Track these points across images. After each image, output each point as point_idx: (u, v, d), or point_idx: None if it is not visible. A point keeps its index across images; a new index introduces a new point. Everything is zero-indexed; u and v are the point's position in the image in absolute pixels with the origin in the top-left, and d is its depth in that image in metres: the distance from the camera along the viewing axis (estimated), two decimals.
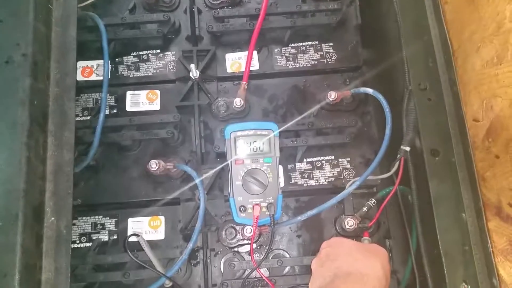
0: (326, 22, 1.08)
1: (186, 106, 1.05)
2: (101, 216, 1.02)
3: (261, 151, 0.95)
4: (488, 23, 0.76)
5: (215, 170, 0.99)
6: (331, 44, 1.10)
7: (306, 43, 1.11)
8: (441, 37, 0.91)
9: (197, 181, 0.93)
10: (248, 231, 0.93)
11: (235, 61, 1.09)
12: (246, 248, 1.00)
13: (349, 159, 1.05)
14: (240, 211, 0.92)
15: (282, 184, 1.01)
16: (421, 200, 0.87)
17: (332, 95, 0.99)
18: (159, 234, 1.00)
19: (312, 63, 1.10)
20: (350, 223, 0.94)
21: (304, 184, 1.03)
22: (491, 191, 0.78)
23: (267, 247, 0.93)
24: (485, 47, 0.77)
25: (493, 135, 0.76)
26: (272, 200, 0.92)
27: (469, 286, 0.76)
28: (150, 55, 1.10)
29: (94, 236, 1.00)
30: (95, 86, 1.07)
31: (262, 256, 0.92)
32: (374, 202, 0.95)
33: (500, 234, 0.76)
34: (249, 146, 0.95)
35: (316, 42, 1.11)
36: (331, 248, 0.80)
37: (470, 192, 0.82)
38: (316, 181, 1.03)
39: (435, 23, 0.92)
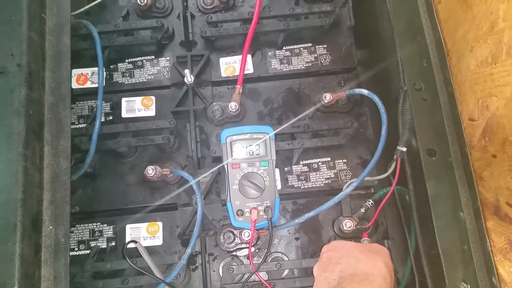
0: (319, 24, 1.08)
1: (181, 112, 1.05)
2: (99, 223, 1.02)
3: (257, 154, 0.95)
4: (481, 22, 0.77)
5: (211, 171, 0.98)
6: (325, 46, 1.11)
7: (300, 45, 1.11)
8: (434, 37, 0.91)
9: (193, 182, 0.93)
10: (246, 235, 0.93)
11: (229, 65, 1.09)
12: (245, 252, 1.00)
13: (345, 160, 1.05)
14: (238, 215, 0.92)
15: (279, 187, 1.01)
16: (419, 200, 0.87)
17: (327, 97, 0.99)
18: (157, 240, 1.00)
19: (307, 65, 1.10)
20: (348, 224, 0.94)
21: (301, 187, 1.03)
22: (488, 190, 0.78)
23: (265, 251, 0.93)
24: (479, 46, 0.78)
25: (489, 134, 0.76)
26: (270, 204, 0.92)
27: (469, 286, 0.76)
28: (144, 61, 1.10)
29: (92, 243, 1.00)
30: (90, 93, 1.07)
31: (261, 260, 0.92)
32: (371, 203, 0.95)
33: (498, 233, 0.76)
34: (245, 150, 0.95)
35: (310, 44, 1.11)
36: (332, 252, 0.80)
37: (468, 192, 0.82)
38: (313, 183, 1.03)
39: (428, 23, 0.93)
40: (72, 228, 1.00)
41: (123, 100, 1.08)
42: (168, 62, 1.10)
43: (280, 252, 1.00)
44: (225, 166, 0.94)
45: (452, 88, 0.87)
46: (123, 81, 1.09)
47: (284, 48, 1.11)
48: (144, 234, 1.00)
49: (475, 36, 0.79)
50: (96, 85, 1.03)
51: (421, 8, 0.93)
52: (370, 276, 0.74)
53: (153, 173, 0.93)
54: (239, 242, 0.97)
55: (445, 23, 0.90)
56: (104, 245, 1.00)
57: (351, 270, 0.75)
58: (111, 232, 1.01)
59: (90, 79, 1.08)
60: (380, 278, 0.74)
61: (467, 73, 0.82)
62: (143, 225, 1.01)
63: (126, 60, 1.10)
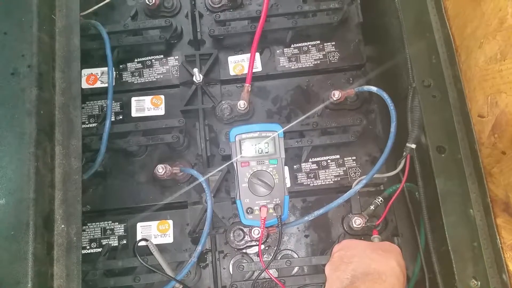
0: (327, 21, 1.08)
1: (190, 110, 1.05)
2: (110, 222, 1.03)
3: (266, 152, 0.95)
4: (490, 19, 0.76)
5: (220, 168, 0.99)
6: (333, 43, 1.10)
7: (308, 43, 1.11)
8: (443, 34, 0.91)
9: (202, 180, 0.94)
10: (256, 232, 0.93)
11: (237, 64, 1.10)
12: (255, 249, 1.00)
13: (354, 157, 1.05)
14: (247, 213, 0.92)
15: (288, 184, 1.01)
16: (428, 197, 0.87)
17: (336, 94, 0.99)
18: (168, 238, 1.01)
19: (315, 63, 1.09)
20: (357, 222, 0.94)
21: (311, 184, 1.03)
22: (498, 187, 0.78)
23: (275, 248, 0.93)
24: (488, 43, 0.77)
25: (498, 131, 0.76)
26: (279, 201, 0.93)
27: (479, 283, 0.76)
28: (153, 60, 1.11)
29: (104, 242, 1.01)
30: (100, 93, 1.08)
31: (271, 257, 0.92)
32: (381, 200, 0.95)
33: (508, 230, 0.76)
34: (254, 148, 0.95)
35: (318, 42, 1.11)
36: (344, 251, 0.80)
37: (477, 188, 0.82)
38: (322, 181, 1.03)
39: (437, 19, 0.92)
40: (84, 227, 1.01)
41: (133, 99, 1.08)
42: (177, 61, 1.11)
43: (290, 250, 1.01)
44: (235, 164, 0.95)
45: (461, 85, 0.87)
46: (133, 80, 1.10)
47: (292, 45, 1.11)
48: (155, 232, 1.01)
49: (484, 33, 0.78)
50: (106, 85, 1.05)
51: (429, 5, 0.93)
52: (383, 275, 0.74)
53: (163, 172, 0.94)
54: (249, 239, 0.97)
55: (454, 19, 0.89)
56: (115, 243, 1.01)
57: (363, 269, 0.75)
58: (122, 230, 1.02)
59: (100, 79, 1.09)
60: (393, 277, 0.74)
61: (476, 70, 0.82)
62: (154, 223, 1.02)
63: (135, 60, 1.11)
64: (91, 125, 1.06)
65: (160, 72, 1.10)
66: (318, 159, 1.05)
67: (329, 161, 1.05)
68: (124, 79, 1.10)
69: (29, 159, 0.73)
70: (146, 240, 0.94)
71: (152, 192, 1.04)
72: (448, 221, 0.80)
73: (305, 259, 0.96)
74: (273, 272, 0.96)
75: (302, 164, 1.04)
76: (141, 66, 1.11)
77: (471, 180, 0.82)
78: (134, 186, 1.05)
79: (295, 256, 1.00)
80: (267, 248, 1.01)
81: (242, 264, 0.94)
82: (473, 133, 0.84)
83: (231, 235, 0.98)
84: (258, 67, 1.09)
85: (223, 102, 1.06)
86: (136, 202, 1.04)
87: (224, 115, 1.05)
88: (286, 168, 1.02)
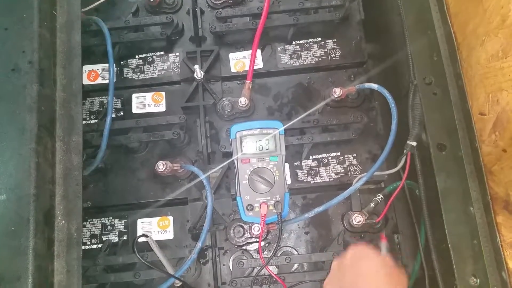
0: (329, 18, 1.08)
1: (191, 107, 1.05)
2: (111, 218, 1.03)
3: (267, 149, 0.95)
4: (492, 16, 0.76)
5: (221, 166, 0.99)
6: (335, 40, 1.10)
7: (310, 40, 1.11)
8: (445, 31, 0.91)
9: (203, 177, 0.94)
10: (256, 229, 0.93)
11: (239, 61, 1.10)
12: (255, 246, 1.00)
13: (355, 155, 1.05)
14: (248, 209, 0.93)
15: (288, 181, 1.01)
16: (429, 194, 0.87)
17: (337, 92, 0.99)
18: (168, 234, 1.01)
19: (316, 60, 1.09)
20: (357, 219, 0.94)
21: (311, 181, 1.03)
22: (499, 184, 0.78)
23: (275, 245, 0.94)
24: (490, 40, 0.77)
25: (499, 129, 0.76)
26: (279, 198, 0.93)
27: (479, 280, 0.76)
28: (154, 57, 1.11)
29: (104, 238, 1.01)
30: (101, 89, 1.09)
31: (271, 254, 0.93)
32: (381, 198, 0.95)
33: (508, 227, 0.75)
34: (255, 145, 0.95)
35: (320, 39, 1.10)
36: (344, 267, 0.77)
37: (478, 186, 0.82)
38: (323, 178, 1.03)
39: (439, 16, 0.92)
40: (84, 223, 1.02)
41: (134, 96, 1.09)
42: (178, 57, 1.11)
43: (289, 246, 1.01)
44: (235, 161, 0.95)
45: (462, 82, 0.87)
46: (134, 77, 1.10)
47: (293, 42, 1.11)
48: (155, 228, 1.02)
49: (486, 30, 0.78)
50: (107, 81, 1.05)
51: (431, 2, 0.92)
52: None
53: (163, 168, 0.94)
54: (249, 236, 0.97)
55: (456, 17, 0.89)
56: (116, 239, 1.01)
57: None
58: (123, 227, 1.02)
59: (101, 75, 1.09)
60: None
61: (478, 67, 0.81)
62: (154, 220, 1.02)
63: (136, 56, 1.11)
64: (92, 121, 1.07)
65: (161, 68, 1.10)
66: (319, 156, 1.05)
67: (329, 158, 1.05)
68: (125, 76, 1.10)
69: (30, 155, 0.73)
70: (146, 236, 0.94)
71: (152, 188, 1.04)
72: (448, 218, 0.80)
73: (305, 256, 0.96)
74: (273, 269, 0.97)
75: (302, 161, 1.05)
76: (142, 63, 1.11)
77: (471, 178, 0.82)
78: (134, 183, 1.05)
79: (295, 253, 1.00)
80: (267, 245, 1.01)
81: (242, 260, 0.94)
82: (474, 131, 0.83)
83: (231, 231, 0.98)
84: (259, 64, 1.09)
85: (224, 99, 1.06)
86: (137, 198, 1.04)
87: (225, 112, 1.05)
88: (287, 165, 1.02)
